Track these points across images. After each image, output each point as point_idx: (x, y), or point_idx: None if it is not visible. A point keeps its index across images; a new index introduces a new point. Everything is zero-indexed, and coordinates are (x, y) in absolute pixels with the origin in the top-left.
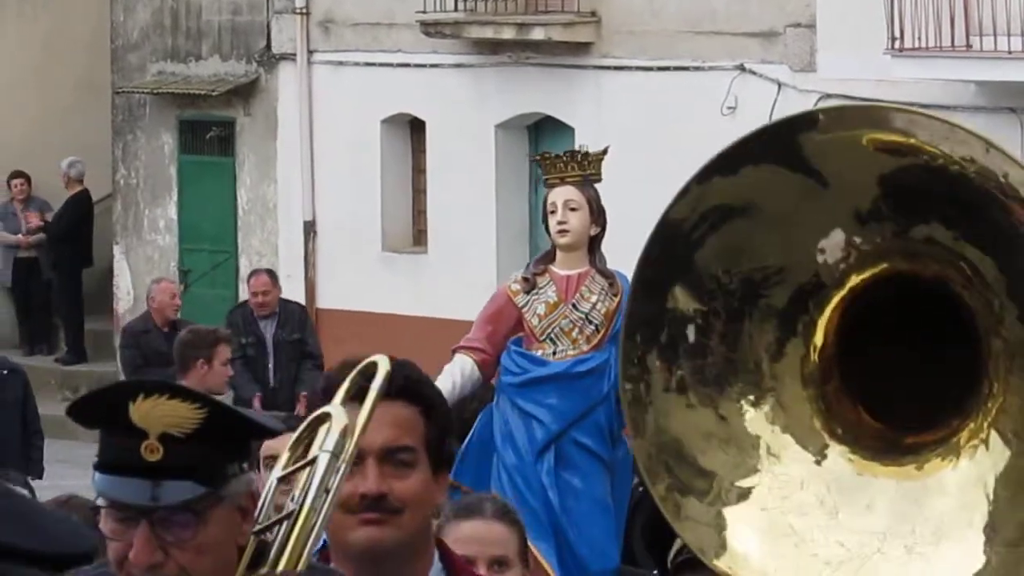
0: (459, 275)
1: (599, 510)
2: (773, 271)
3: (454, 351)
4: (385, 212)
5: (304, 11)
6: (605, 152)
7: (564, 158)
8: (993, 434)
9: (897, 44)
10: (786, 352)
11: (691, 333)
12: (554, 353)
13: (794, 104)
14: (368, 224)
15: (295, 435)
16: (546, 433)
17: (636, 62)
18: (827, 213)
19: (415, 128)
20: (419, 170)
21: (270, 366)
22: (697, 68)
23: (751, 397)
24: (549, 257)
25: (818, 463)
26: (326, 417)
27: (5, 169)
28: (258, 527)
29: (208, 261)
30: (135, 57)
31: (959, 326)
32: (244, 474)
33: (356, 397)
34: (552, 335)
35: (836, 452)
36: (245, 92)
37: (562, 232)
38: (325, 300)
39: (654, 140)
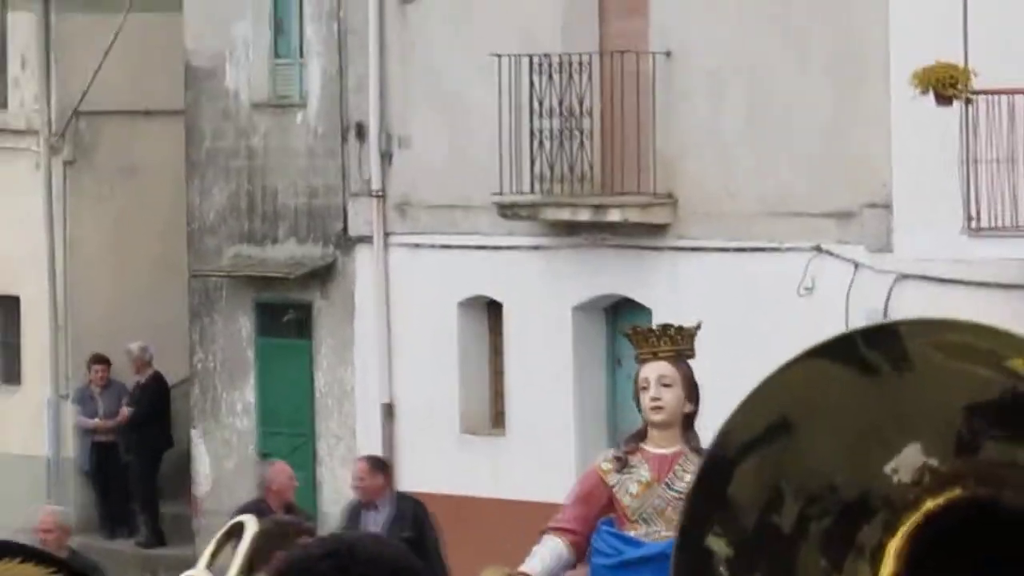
0: (538, 457)
1: None
2: (836, 491)
3: (543, 532)
4: (463, 394)
5: (380, 194)
6: (699, 327)
7: (657, 332)
8: None
9: (973, 223)
10: None
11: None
12: (647, 534)
13: (871, 284)
14: (446, 406)
15: None
16: None
17: (712, 243)
18: (903, 429)
19: (492, 310)
20: (497, 352)
21: None
22: (774, 249)
23: None
24: (641, 435)
25: None
26: None
27: (82, 353)
28: None
29: (286, 444)
30: (212, 240)
31: None
32: None
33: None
34: (645, 515)
35: None
36: (322, 275)
37: (656, 409)
38: (404, 483)
39: (731, 321)
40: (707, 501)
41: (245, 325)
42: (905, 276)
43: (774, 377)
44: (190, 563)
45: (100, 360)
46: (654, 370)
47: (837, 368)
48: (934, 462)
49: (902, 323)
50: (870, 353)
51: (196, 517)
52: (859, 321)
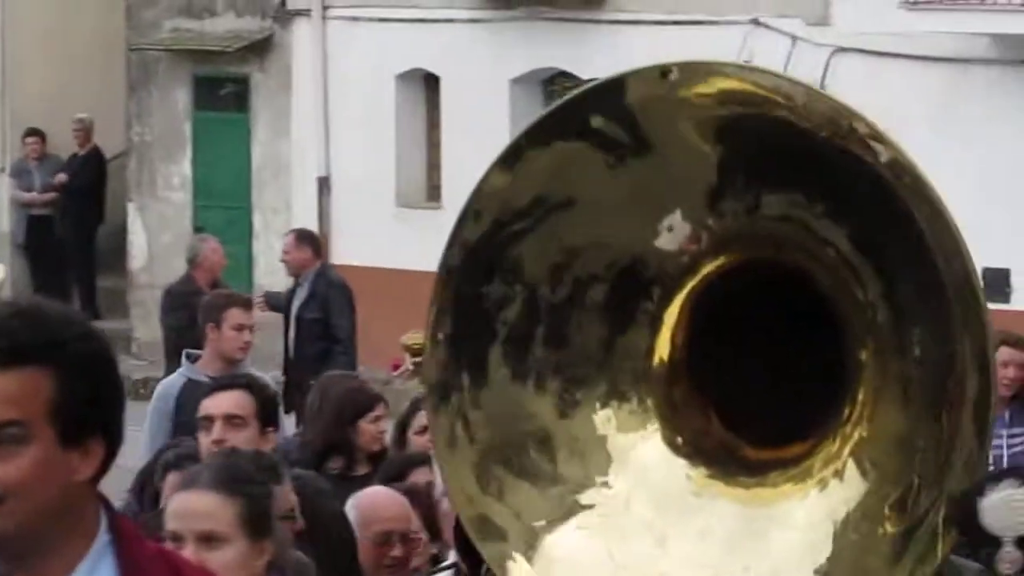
0: None
1: None
2: (602, 260)
3: None
4: (400, 168)
5: None
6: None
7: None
8: (851, 464)
9: None
10: (623, 351)
11: (513, 328)
12: None
13: (808, 58)
14: (383, 180)
15: None
16: None
17: (651, 16)
18: (665, 190)
19: (430, 83)
20: (434, 125)
21: (291, 343)
22: (712, 22)
23: (577, 401)
24: None
25: (651, 479)
26: None
27: (20, 126)
28: None
29: (223, 218)
30: (150, 14)
31: (829, 326)
32: None
33: None
34: None
35: (674, 466)
36: (260, 48)
37: None
38: (338, 256)
39: None
40: (488, 265)
41: (182, 99)
42: (842, 49)
43: (530, 154)
44: (125, 337)
45: (34, 133)
46: None
47: (579, 147)
48: (702, 225)
49: (628, 75)
50: (607, 125)
51: (131, 291)
52: None
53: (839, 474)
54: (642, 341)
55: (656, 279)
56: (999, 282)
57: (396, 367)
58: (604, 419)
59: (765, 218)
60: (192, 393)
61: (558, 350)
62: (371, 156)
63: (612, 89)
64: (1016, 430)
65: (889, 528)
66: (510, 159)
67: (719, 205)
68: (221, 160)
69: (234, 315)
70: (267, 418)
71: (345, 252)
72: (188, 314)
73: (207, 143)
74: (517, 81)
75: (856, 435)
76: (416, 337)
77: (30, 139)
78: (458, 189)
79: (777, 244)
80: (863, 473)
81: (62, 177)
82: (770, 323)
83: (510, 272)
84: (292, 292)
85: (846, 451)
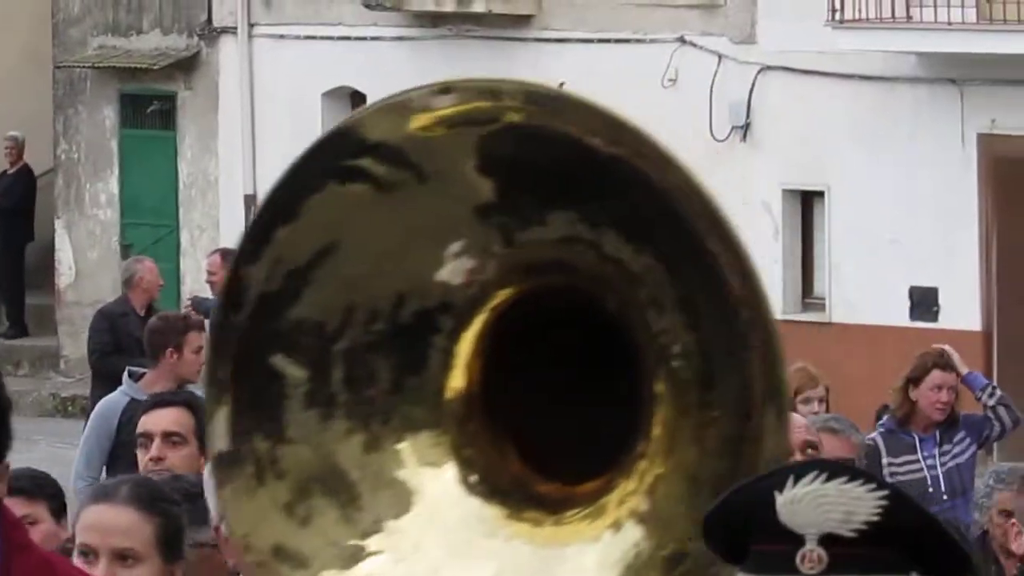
0: None
1: None
2: (389, 299)
3: None
4: None
5: None
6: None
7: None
8: (645, 503)
9: (838, 15)
10: (416, 388)
11: (310, 373)
12: None
13: (735, 75)
14: None
15: None
16: None
17: (576, 34)
18: (444, 222)
19: (356, 101)
20: None
21: None
22: (638, 40)
23: (374, 442)
24: None
25: (443, 520)
26: None
27: None
28: None
29: (150, 235)
30: (76, 31)
31: (623, 356)
32: None
33: None
34: None
35: (469, 506)
36: (186, 66)
37: None
38: None
39: None
40: (268, 327)
41: (109, 116)
42: (768, 67)
43: (269, 212)
44: (53, 354)
45: None
46: None
47: (344, 188)
48: (488, 255)
49: (364, 113)
50: (371, 163)
51: (59, 308)
52: (723, 113)
53: (634, 514)
54: (435, 377)
55: (445, 313)
56: (927, 301)
57: None
58: (399, 459)
59: (552, 243)
60: (136, 413)
61: (354, 392)
62: None
63: (366, 124)
64: (946, 447)
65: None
66: (285, 208)
67: (503, 233)
68: (148, 178)
69: (193, 338)
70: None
71: None
72: (113, 336)
73: (134, 161)
74: None
75: (652, 472)
76: None
77: None
78: None
79: (567, 270)
80: (657, 513)
81: None
82: (566, 353)
83: (299, 319)
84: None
85: (642, 489)
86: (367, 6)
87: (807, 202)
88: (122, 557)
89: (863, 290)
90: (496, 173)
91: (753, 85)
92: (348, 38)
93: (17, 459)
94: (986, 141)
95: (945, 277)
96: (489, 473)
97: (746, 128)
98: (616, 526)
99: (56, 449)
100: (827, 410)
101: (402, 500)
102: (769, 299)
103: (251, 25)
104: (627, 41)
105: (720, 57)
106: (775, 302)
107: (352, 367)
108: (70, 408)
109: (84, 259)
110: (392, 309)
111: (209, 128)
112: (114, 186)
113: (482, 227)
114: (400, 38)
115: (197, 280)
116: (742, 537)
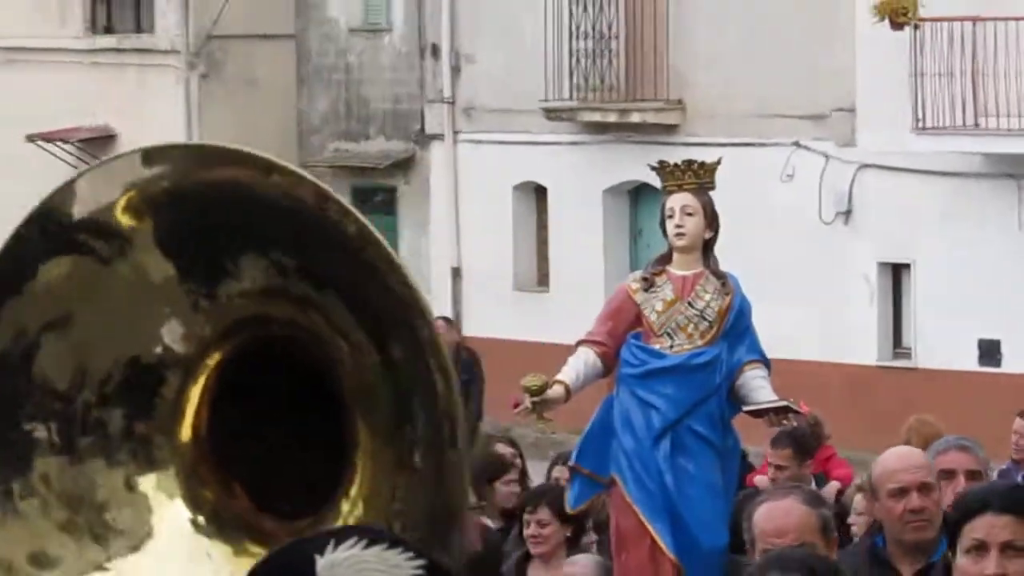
0: (573, 308)
1: (711, 493)
2: (118, 362)
3: (576, 344)
4: (516, 259)
5: (451, 100)
6: (719, 162)
7: (682, 167)
8: None
9: (920, 123)
10: (148, 438)
11: (52, 436)
12: (671, 347)
13: (838, 172)
14: (502, 269)
15: None
16: (663, 421)
17: (714, 139)
18: (154, 289)
19: (539, 193)
20: (542, 225)
21: None
22: (762, 144)
23: (106, 487)
24: (666, 258)
25: (174, 559)
26: None
27: None
28: None
29: None
30: (317, 138)
31: (331, 398)
32: None
33: None
34: (669, 330)
35: (198, 545)
36: (404, 165)
37: (679, 235)
38: (468, 329)
39: (727, 203)
40: (8, 395)
41: None
42: (866, 166)
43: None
44: None
45: None
46: (678, 200)
47: (61, 263)
48: (194, 316)
49: (49, 202)
50: (80, 235)
51: None
52: (829, 202)
53: None
54: (167, 426)
55: (171, 369)
56: (992, 350)
57: (516, 405)
58: (134, 500)
59: (253, 295)
60: None
61: (92, 439)
62: (493, 250)
63: (77, 196)
64: None
65: None
66: (12, 280)
67: (203, 292)
68: None
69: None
70: None
71: (474, 327)
72: None
73: None
74: (608, 191)
75: (353, 514)
76: (534, 380)
77: None
78: (561, 276)
79: (271, 321)
80: None
81: None
82: (284, 397)
83: (37, 386)
84: None
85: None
86: (548, 118)
87: (896, 273)
88: None
89: (942, 342)
90: (177, 235)
91: (853, 180)
92: (533, 143)
93: None
94: None
95: (1007, 331)
96: (218, 512)
97: (848, 214)
98: None
99: None
100: None
101: (137, 537)
102: (442, 342)
103: (455, 132)
104: (753, 144)
105: (827, 157)
106: (870, 354)
107: (88, 420)
108: None
109: None
110: (123, 369)
111: (422, 214)
112: None
113: (182, 289)
114: (574, 142)
115: None
116: None
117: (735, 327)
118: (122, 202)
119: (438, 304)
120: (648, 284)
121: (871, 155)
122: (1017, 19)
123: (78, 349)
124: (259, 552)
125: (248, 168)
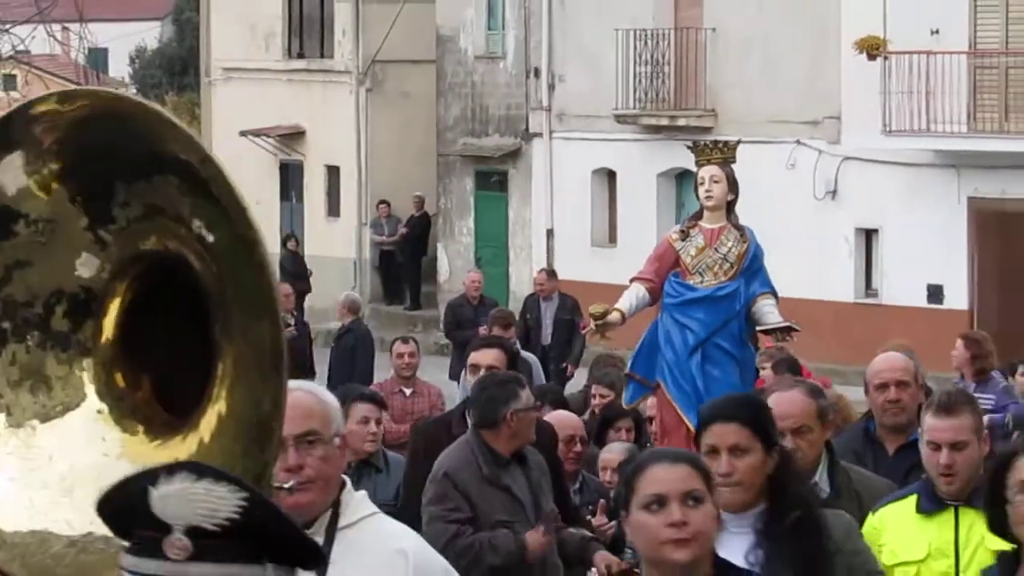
0: (635, 259)
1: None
2: (44, 289)
3: (631, 280)
4: (593, 224)
5: (548, 108)
6: (739, 142)
7: (710, 145)
8: (209, 443)
9: (887, 128)
10: (72, 342)
11: None
12: (702, 282)
13: (829, 163)
14: (584, 231)
15: None
16: (696, 338)
17: (737, 138)
18: (64, 221)
19: (611, 176)
20: (613, 199)
21: (548, 335)
22: (770, 142)
23: (28, 377)
24: (698, 215)
25: (73, 440)
26: None
27: (377, 198)
28: None
29: (491, 253)
30: (451, 135)
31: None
32: None
33: None
34: (700, 269)
35: (95, 430)
36: (513, 155)
37: (708, 197)
38: (561, 274)
39: (746, 187)
40: None
41: (468, 184)
42: (848, 158)
43: None
44: (434, 321)
45: (383, 202)
46: (708, 171)
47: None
48: (103, 246)
49: None
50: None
51: (439, 295)
52: (821, 187)
53: (201, 445)
54: (89, 336)
55: (90, 292)
56: (937, 293)
57: (584, 327)
58: (50, 388)
59: (146, 219)
60: None
61: (22, 339)
62: (577, 217)
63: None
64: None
65: None
66: None
67: (103, 221)
68: (491, 220)
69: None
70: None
71: (565, 274)
72: (454, 316)
73: (483, 209)
74: (660, 175)
75: (216, 412)
76: (597, 307)
77: (382, 205)
78: (625, 236)
79: (166, 239)
80: (214, 450)
81: (403, 230)
82: (182, 308)
83: None
84: (537, 305)
85: (210, 425)
86: (618, 121)
87: (868, 236)
88: None
89: (901, 286)
90: (73, 171)
91: (839, 168)
92: (607, 140)
93: None
94: (973, 202)
95: (948, 278)
96: (122, 400)
97: (834, 193)
98: (196, 452)
99: None
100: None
101: (47, 424)
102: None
103: (551, 132)
104: (766, 142)
105: (820, 152)
106: (848, 294)
107: (20, 328)
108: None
109: (454, 266)
110: (48, 296)
111: (526, 192)
112: (471, 224)
113: (87, 220)
114: (636, 139)
115: (519, 280)
116: (127, 522)
117: (751, 267)
118: (32, 182)
119: (537, 257)
120: (684, 235)
121: (852, 151)
122: (959, 53)
123: (9, 286)
124: (146, 439)
125: (112, 103)
